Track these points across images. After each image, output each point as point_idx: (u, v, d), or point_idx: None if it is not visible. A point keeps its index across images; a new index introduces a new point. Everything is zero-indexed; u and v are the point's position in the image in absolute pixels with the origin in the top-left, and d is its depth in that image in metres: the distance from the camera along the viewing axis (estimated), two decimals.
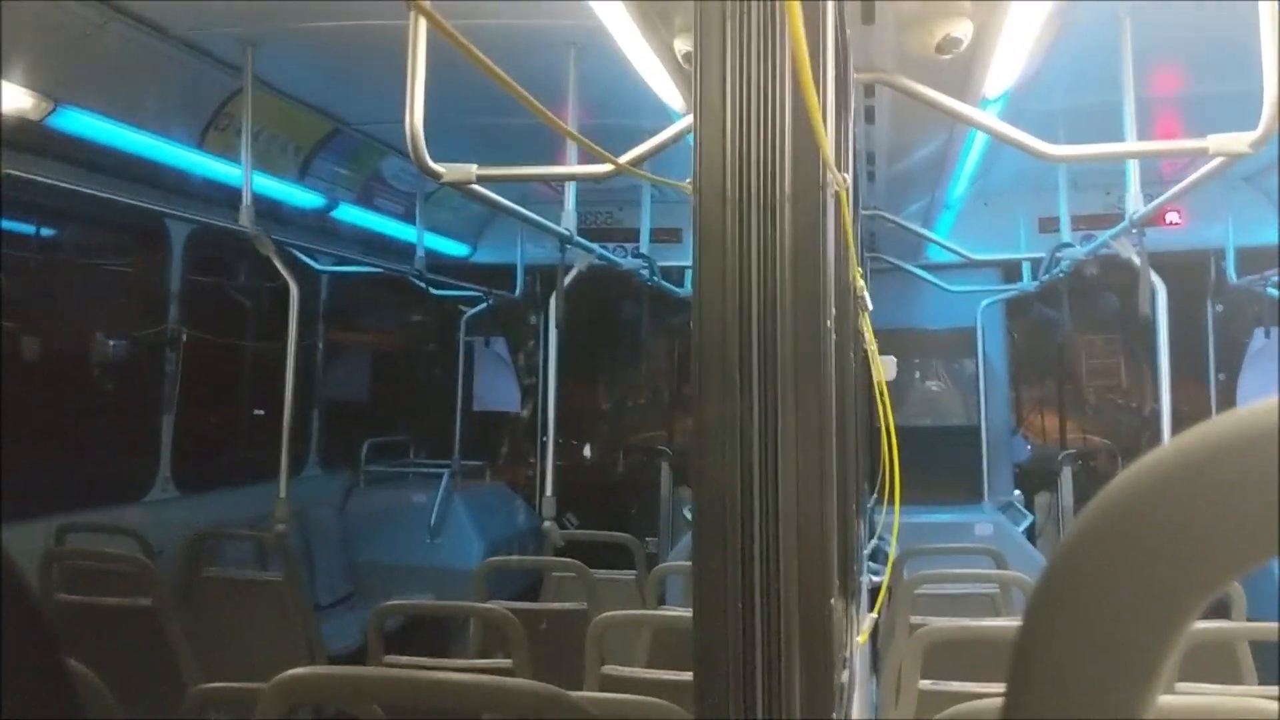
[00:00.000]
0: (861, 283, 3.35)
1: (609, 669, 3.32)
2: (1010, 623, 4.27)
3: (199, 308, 6.43)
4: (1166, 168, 6.66)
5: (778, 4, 1.29)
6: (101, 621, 4.30)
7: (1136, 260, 4.83)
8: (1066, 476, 9.02)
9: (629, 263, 7.30)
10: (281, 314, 5.59)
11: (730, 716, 1.33)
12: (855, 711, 2.62)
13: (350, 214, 7.32)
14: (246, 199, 5.06)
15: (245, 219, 5.04)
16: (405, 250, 7.66)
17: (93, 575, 4.71)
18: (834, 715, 1.52)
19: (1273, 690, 3.12)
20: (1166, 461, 0.40)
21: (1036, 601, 0.43)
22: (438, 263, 8.06)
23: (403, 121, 2.70)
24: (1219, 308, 9.02)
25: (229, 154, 5.53)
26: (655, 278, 7.65)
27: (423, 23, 2.63)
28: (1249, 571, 0.38)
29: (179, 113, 5.40)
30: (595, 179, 3.02)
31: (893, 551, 3.80)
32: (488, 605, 3.88)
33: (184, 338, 6.08)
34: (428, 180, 6.84)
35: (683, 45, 3.54)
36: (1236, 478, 0.38)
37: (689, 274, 8.37)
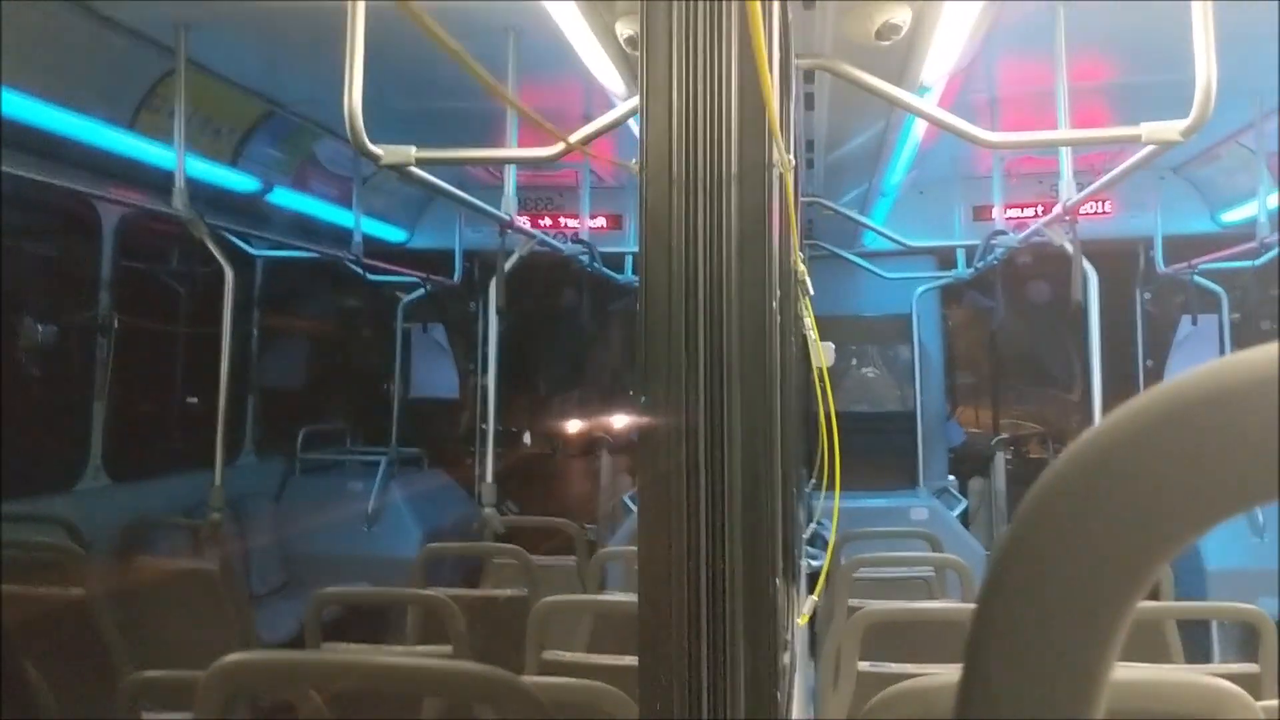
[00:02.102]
0: (803, 266, 3.37)
1: (550, 654, 3.31)
2: (947, 604, 4.34)
3: (131, 293, 6.28)
4: (1097, 159, 6.77)
5: None
6: (31, 613, 4.20)
7: (1070, 247, 4.89)
8: (999, 462, 9.16)
9: (569, 248, 7.28)
10: (215, 300, 5.49)
11: (674, 698, 1.32)
12: (796, 693, 2.64)
13: (285, 198, 7.18)
14: (180, 182, 4.96)
15: (179, 202, 4.95)
16: (340, 235, 7.54)
17: (23, 566, 4.60)
18: (778, 695, 1.53)
19: (1208, 669, 3.19)
20: (1132, 415, 0.40)
21: (999, 554, 0.43)
22: (374, 248, 7.96)
23: (341, 103, 2.66)
24: (1147, 296, 9.20)
25: (161, 136, 5.41)
26: (595, 264, 7.64)
27: (361, 2, 2.60)
28: (1211, 527, 0.39)
29: (109, 93, 5.26)
30: (539, 161, 3.00)
31: (833, 534, 3.83)
32: (428, 592, 3.85)
33: (116, 324, 5.95)
34: (365, 163, 6.79)
35: (624, 29, 3.53)
36: (1204, 431, 0.38)
37: (629, 260, 8.37)
